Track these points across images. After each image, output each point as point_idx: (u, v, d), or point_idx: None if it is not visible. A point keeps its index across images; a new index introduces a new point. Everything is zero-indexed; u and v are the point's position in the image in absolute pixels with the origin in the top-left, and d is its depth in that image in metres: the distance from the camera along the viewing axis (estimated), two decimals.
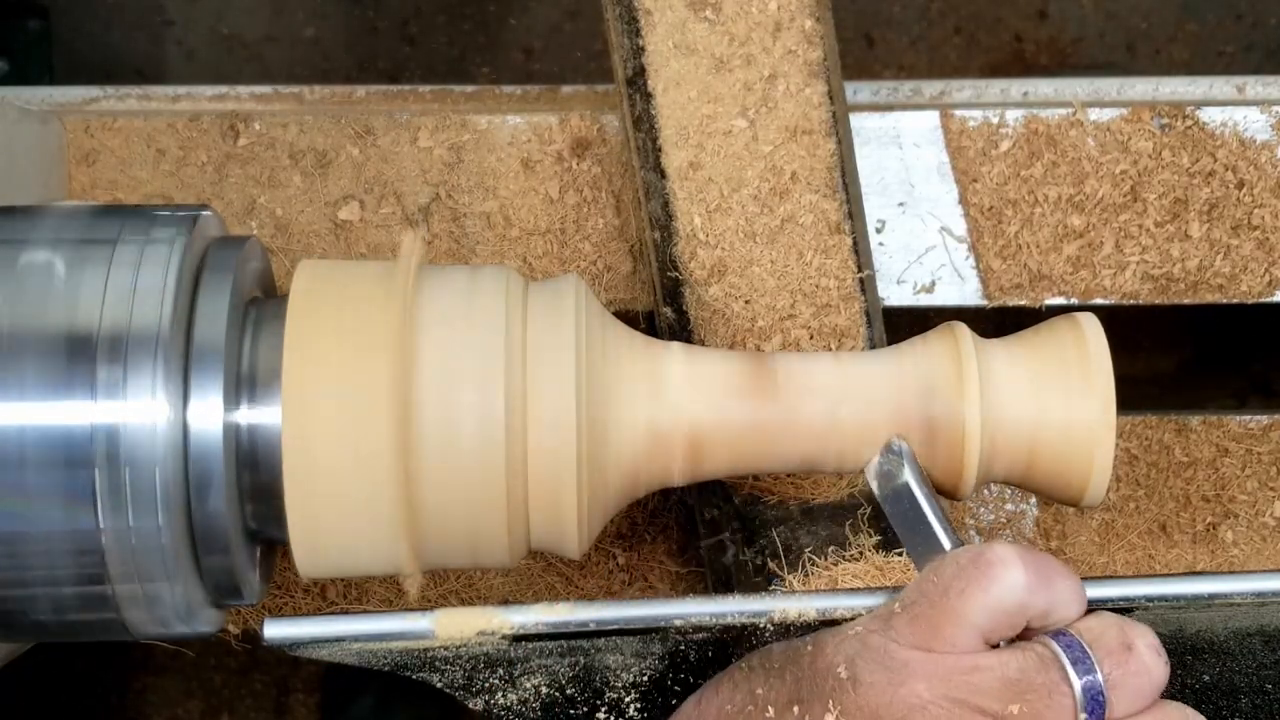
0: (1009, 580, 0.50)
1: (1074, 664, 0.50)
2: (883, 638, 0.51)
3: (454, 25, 1.51)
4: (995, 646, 0.51)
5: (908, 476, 0.55)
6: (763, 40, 0.71)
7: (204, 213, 0.59)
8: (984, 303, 0.81)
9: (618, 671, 0.55)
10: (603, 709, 0.56)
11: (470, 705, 0.56)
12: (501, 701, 0.55)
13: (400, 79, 1.50)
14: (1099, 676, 0.50)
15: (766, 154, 0.71)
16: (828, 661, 0.51)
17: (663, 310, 0.73)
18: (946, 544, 0.55)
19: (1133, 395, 0.68)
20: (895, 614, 0.51)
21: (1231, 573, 0.65)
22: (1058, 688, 0.50)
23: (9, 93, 0.82)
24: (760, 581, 0.66)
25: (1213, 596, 0.54)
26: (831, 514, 0.69)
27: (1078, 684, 0.50)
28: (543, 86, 0.85)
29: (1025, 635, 0.52)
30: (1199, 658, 0.56)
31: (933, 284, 0.81)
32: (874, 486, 0.57)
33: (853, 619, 0.53)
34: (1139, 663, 0.51)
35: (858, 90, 0.82)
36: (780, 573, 0.64)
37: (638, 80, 0.71)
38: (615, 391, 0.57)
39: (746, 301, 0.71)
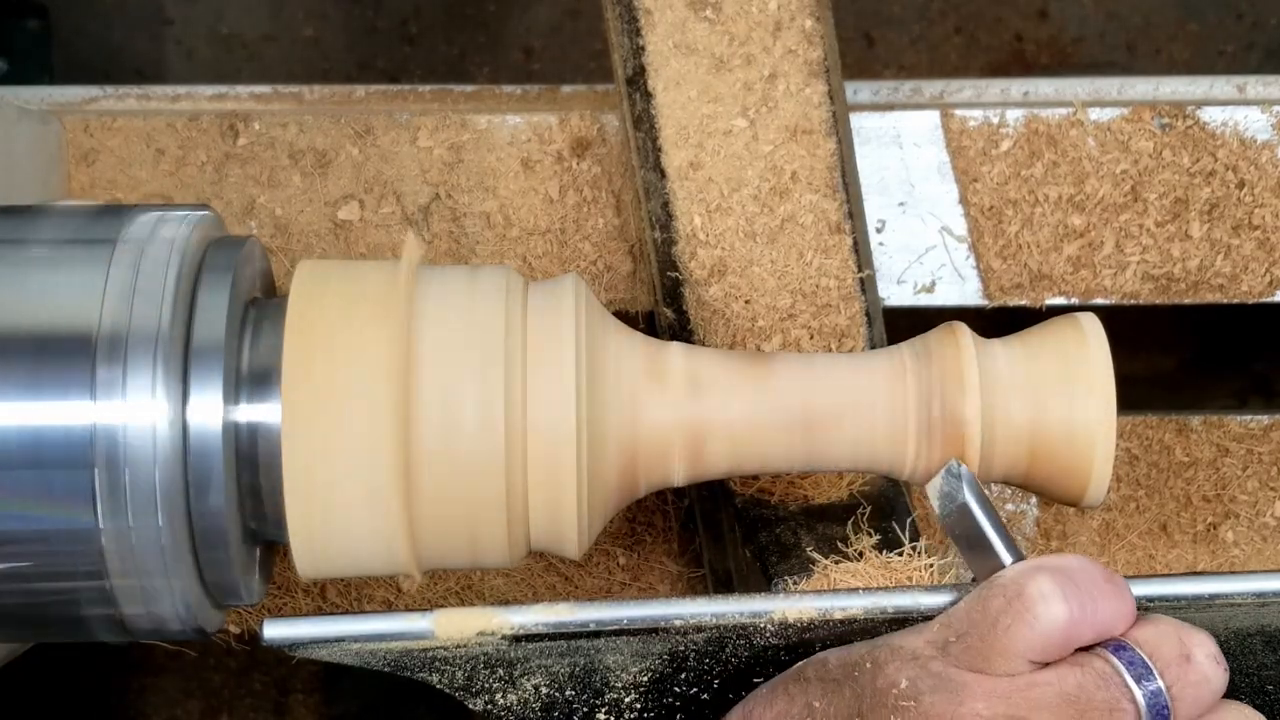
0: (1050, 616, 0.50)
1: (1137, 680, 0.50)
2: (941, 664, 0.51)
3: (454, 25, 1.51)
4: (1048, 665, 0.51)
5: (967, 497, 0.56)
6: (763, 40, 0.71)
7: (204, 212, 0.59)
8: (984, 303, 0.81)
9: (618, 671, 0.55)
10: (603, 709, 0.55)
11: (470, 705, 0.55)
12: (501, 702, 0.55)
13: (400, 79, 1.50)
14: (1162, 689, 0.50)
15: (766, 154, 0.71)
16: (888, 680, 0.51)
17: (663, 310, 0.73)
18: (1007, 560, 0.54)
19: (1133, 395, 0.68)
20: (950, 642, 0.52)
21: (1232, 573, 0.65)
22: (1119, 704, 0.49)
23: (9, 92, 0.82)
24: (760, 581, 0.66)
25: (1213, 597, 0.54)
26: (831, 514, 0.68)
27: (1141, 699, 0.49)
28: (543, 86, 0.84)
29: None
30: None
31: (933, 284, 0.81)
32: (935, 505, 0.57)
33: (901, 630, 0.53)
34: (1198, 672, 0.50)
35: (858, 90, 0.82)
36: (780, 573, 0.63)
37: (638, 80, 0.71)
38: (615, 391, 0.57)
39: (746, 301, 0.71)
